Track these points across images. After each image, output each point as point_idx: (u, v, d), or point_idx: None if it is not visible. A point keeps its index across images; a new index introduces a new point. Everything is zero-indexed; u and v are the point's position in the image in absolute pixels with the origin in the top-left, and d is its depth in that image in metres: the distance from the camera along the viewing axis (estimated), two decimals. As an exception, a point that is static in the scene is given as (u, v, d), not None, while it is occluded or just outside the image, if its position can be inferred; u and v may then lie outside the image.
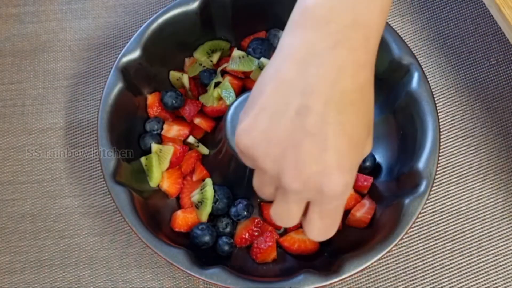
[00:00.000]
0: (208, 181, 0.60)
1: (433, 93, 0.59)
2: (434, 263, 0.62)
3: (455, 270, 0.62)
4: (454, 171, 0.65)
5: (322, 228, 0.46)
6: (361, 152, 0.44)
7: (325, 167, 0.41)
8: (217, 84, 0.64)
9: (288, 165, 0.42)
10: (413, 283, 0.62)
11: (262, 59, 0.64)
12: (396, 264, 0.62)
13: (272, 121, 0.42)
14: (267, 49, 0.65)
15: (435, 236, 0.63)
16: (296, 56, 0.42)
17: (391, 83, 0.62)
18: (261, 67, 0.64)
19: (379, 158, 0.63)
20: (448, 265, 0.62)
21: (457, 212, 0.64)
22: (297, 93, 0.41)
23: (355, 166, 0.44)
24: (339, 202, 0.44)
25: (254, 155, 0.43)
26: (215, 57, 0.66)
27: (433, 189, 0.63)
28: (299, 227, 0.60)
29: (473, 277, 0.62)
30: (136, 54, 0.61)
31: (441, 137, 0.64)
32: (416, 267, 0.62)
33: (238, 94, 0.61)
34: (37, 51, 0.72)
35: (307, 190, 0.42)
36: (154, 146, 0.62)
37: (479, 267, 0.62)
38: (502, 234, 0.63)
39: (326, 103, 0.41)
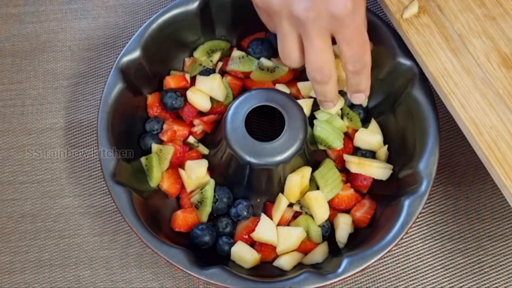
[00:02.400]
0: (210, 181, 0.60)
1: (433, 93, 0.59)
2: (434, 263, 0.62)
3: (455, 270, 0.62)
4: (454, 171, 0.65)
5: (352, 53, 0.51)
6: None
7: None
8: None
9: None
10: (413, 283, 0.62)
11: (262, 59, 0.64)
12: (396, 264, 0.62)
13: None
14: (267, 49, 0.65)
15: (435, 236, 0.63)
16: None
17: (391, 83, 0.62)
18: (261, 67, 0.64)
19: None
20: (448, 265, 0.62)
21: (457, 212, 0.64)
22: None
23: None
24: (356, 23, 0.50)
25: (267, 3, 0.50)
26: (215, 57, 0.66)
27: (433, 189, 0.63)
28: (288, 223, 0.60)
29: (473, 277, 0.62)
30: (136, 54, 0.61)
31: (441, 137, 0.64)
32: (416, 267, 0.62)
33: (238, 94, 0.61)
34: (37, 51, 0.72)
35: (322, 17, 0.48)
36: (154, 146, 0.62)
37: (479, 267, 0.62)
38: (502, 234, 0.63)
39: None
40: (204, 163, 0.61)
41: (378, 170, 0.60)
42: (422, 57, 0.56)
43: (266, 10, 0.52)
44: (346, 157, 0.61)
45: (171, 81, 0.64)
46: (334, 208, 0.61)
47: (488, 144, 0.52)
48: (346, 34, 0.50)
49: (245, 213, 0.60)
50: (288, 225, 0.61)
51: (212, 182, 0.60)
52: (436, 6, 0.57)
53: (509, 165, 0.50)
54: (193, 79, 0.65)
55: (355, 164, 0.60)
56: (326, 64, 0.52)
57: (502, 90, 0.53)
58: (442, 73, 0.55)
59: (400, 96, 0.61)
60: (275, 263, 0.60)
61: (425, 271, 0.62)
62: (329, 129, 0.61)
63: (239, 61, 0.64)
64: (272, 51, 0.65)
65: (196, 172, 0.60)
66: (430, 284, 0.62)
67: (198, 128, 0.63)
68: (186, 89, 0.64)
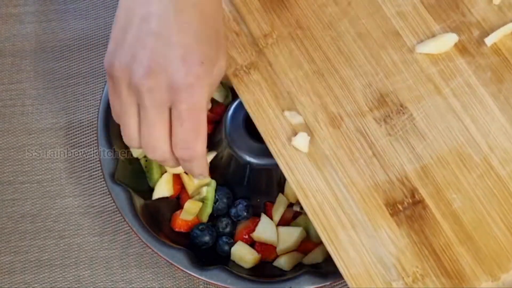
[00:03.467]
0: (211, 182, 0.60)
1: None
2: (434, 263, 0.62)
3: (455, 270, 0.62)
4: (454, 171, 0.65)
5: (183, 137, 0.46)
6: (213, 50, 0.46)
7: (172, 60, 0.44)
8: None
9: (138, 65, 0.45)
10: (413, 283, 0.62)
11: None
12: (396, 264, 0.62)
13: (123, 32, 0.46)
14: None
15: (435, 236, 0.63)
16: None
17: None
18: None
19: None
20: (448, 265, 0.62)
21: (457, 212, 0.64)
22: (140, 4, 0.45)
23: (207, 61, 0.45)
24: (193, 100, 0.45)
25: (113, 69, 0.46)
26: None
27: (433, 189, 0.63)
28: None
29: (473, 277, 0.62)
30: (136, 54, 0.61)
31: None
32: (416, 267, 0.62)
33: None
34: (37, 51, 0.72)
35: (160, 88, 0.44)
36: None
37: (479, 267, 0.62)
38: (502, 234, 0.63)
39: (167, 6, 0.45)
40: None
41: None
42: (252, 116, 0.52)
43: (110, 76, 0.47)
44: None
45: None
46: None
47: (313, 208, 0.48)
48: (180, 110, 0.45)
49: (245, 213, 0.60)
50: (288, 225, 0.61)
51: (213, 183, 0.60)
52: (267, 61, 0.53)
53: (332, 229, 0.48)
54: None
55: None
56: (159, 143, 0.47)
57: (329, 151, 0.50)
58: (271, 135, 0.52)
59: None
60: (275, 263, 0.59)
61: (425, 271, 0.62)
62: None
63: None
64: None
65: None
66: (430, 284, 0.62)
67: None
68: None
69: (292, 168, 0.50)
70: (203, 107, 0.46)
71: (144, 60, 0.44)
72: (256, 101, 0.53)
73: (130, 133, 0.48)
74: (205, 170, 0.51)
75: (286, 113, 0.52)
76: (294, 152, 0.50)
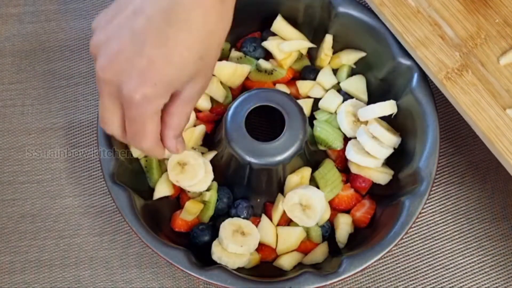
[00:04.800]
0: (214, 184, 0.60)
1: (433, 93, 0.59)
2: (434, 263, 0.62)
3: (455, 270, 0.62)
4: (454, 171, 0.65)
5: (129, 136, 0.48)
6: (180, 74, 0.46)
7: (131, 69, 0.44)
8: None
9: (104, 53, 0.45)
10: (413, 283, 0.62)
11: (260, 61, 0.64)
12: (396, 264, 0.62)
13: (115, 14, 0.46)
14: (261, 46, 0.65)
15: (435, 236, 0.63)
16: None
17: (391, 83, 0.62)
18: (258, 68, 0.64)
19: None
20: (448, 265, 0.62)
21: (457, 212, 0.64)
22: None
23: (166, 85, 0.45)
24: (139, 112, 0.46)
25: (93, 37, 0.47)
26: (215, 57, 0.66)
27: (433, 189, 0.63)
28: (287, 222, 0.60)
29: (473, 277, 0.62)
30: (136, 54, 0.61)
31: (441, 137, 0.64)
32: (416, 267, 0.62)
33: (237, 95, 0.61)
34: (37, 51, 0.72)
35: (113, 84, 0.45)
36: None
37: (479, 267, 0.62)
38: (502, 234, 0.63)
39: (160, 11, 0.44)
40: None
41: (378, 174, 0.60)
42: (472, 117, 0.53)
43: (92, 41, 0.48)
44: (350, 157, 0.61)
45: None
46: (334, 208, 0.61)
47: None
48: (128, 114, 0.46)
49: (245, 213, 0.60)
50: (288, 225, 0.61)
51: (215, 185, 0.60)
52: (478, 62, 0.55)
53: None
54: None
55: (356, 165, 0.60)
56: (108, 122, 0.48)
57: None
58: (495, 132, 0.53)
59: (400, 96, 0.61)
60: (275, 263, 0.60)
61: (425, 271, 0.62)
62: (329, 129, 0.61)
63: (237, 62, 0.64)
64: (265, 50, 0.65)
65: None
66: (430, 284, 0.62)
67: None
68: None
69: None
70: (148, 117, 0.46)
71: (111, 53, 0.45)
72: (474, 102, 0.53)
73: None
74: (162, 154, 0.51)
75: (508, 111, 0.52)
76: None
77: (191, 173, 0.58)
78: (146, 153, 0.53)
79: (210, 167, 0.59)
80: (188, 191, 0.61)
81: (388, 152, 0.59)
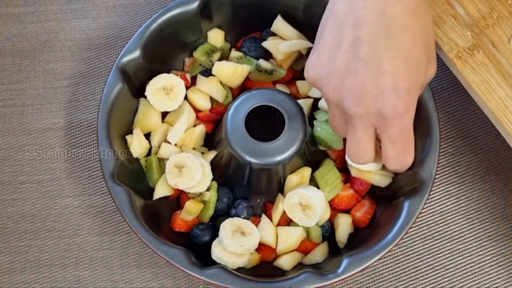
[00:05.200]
0: (213, 184, 0.60)
1: (433, 93, 0.59)
2: (434, 263, 0.62)
3: (455, 270, 0.62)
4: (454, 171, 0.65)
5: (395, 154, 0.49)
6: (423, 73, 0.48)
7: (382, 90, 0.45)
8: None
9: (347, 91, 0.47)
10: (413, 283, 0.62)
11: (260, 61, 0.64)
12: (396, 264, 0.62)
13: (331, 54, 0.48)
14: (260, 46, 0.65)
15: (435, 236, 0.63)
16: None
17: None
18: (259, 69, 0.64)
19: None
20: (448, 265, 0.62)
21: (457, 212, 0.64)
22: (350, 27, 0.46)
23: (416, 86, 0.47)
24: (403, 124, 0.47)
25: (319, 87, 0.49)
26: (215, 57, 0.66)
27: (433, 189, 0.63)
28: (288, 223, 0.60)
29: (473, 277, 0.62)
30: (136, 54, 0.61)
31: (441, 137, 0.64)
32: (416, 267, 0.62)
33: (237, 95, 0.61)
34: (37, 51, 0.72)
35: (369, 114, 0.46)
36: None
37: (479, 267, 0.62)
38: (502, 234, 0.63)
39: (377, 32, 0.45)
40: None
41: (378, 177, 0.60)
42: (481, 96, 0.54)
43: (315, 85, 0.50)
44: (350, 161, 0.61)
45: None
46: (334, 208, 0.61)
47: None
48: (391, 133, 0.48)
49: (245, 213, 0.60)
50: (288, 225, 0.61)
51: (214, 185, 0.60)
52: (490, 42, 0.55)
53: None
54: (194, 78, 0.65)
55: (355, 169, 0.60)
56: (365, 153, 0.50)
57: None
58: (503, 112, 0.53)
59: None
60: (275, 263, 0.60)
61: (425, 271, 0.62)
62: (329, 129, 0.61)
63: (237, 62, 0.64)
64: (265, 50, 0.65)
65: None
66: (430, 284, 0.62)
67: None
68: (186, 88, 0.64)
69: None
70: (411, 126, 0.48)
71: (355, 89, 0.46)
72: (484, 81, 0.54)
73: (339, 131, 0.53)
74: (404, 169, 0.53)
75: None
76: None
77: (189, 176, 0.58)
78: (404, 169, 0.52)
79: (208, 168, 0.59)
80: (188, 192, 0.61)
81: (379, 164, 0.59)
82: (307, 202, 0.57)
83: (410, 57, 0.46)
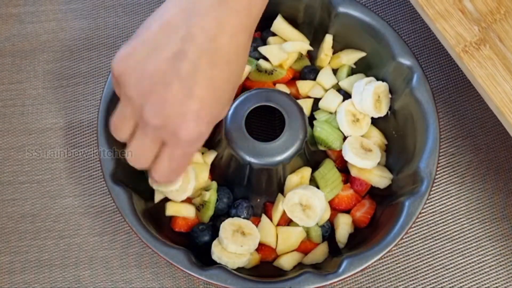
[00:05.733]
0: (213, 184, 0.60)
1: (433, 93, 0.59)
2: (434, 263, 0.62)
3: (455, 270, 0.62)
4: (454, 171, 0.65)
5: (166, 170, 0.50)
6: (222, 110, 0.48)
7: (186, 112, 0.45)
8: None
9: (153, 100, 0.45)
10: (413, 283, 0.62)
11: (261, 61, 0.64)
12: (396, 264, 0.62)
13: (150, 55, 0.45)
14: (260, 46, 0.65)
15: (435, 236, 0.63)
16: (184, 4, 0.45)
17: (391, 83, 0.62)
18: (258, 69, 0.64)
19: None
20: (448, 265, 0.62)
21: (457, 212, 0.64)
22: (178, 37, 0.45)
23: (214, 120, 0.48)
24: (189, 150, 0.49)
25: (125, 82, 0.46)
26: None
27: (433, 189, 0.63)
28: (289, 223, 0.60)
29: (473, 277, 0.62)
30: (136, 54, 0.61)
31: (441, 137, 0.64)
32: (416, 267, 0.62)
33: (237, 95, 0.61)
34: (37, 51, 0.72)
35: (164, 129, 0.46)
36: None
37: (479, 267, 0.62)
38: (502, 234, 0.63)
39: (202, 55, 0.45)
40: (206, 168, 0.61)
41: (377, 178, 0.60)
42: (487, 90, 0.54)
43: (117, 82, 0.48)
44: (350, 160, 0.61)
45: None
46: (334, 208, 0.61)
47: None
48: (174, 152, 0.48)
49: (245, 213, 0.60)
50: (288, 225, 0.61)
51: (214, 185, 0.60)
52: (496, 37, 0.56)
53: None
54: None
55: (355, 169, 0.60)
56: (144, 160, 0.50)
57: None
58: (508, 106, 0.54)
59: (400, 96, 0.61)
60: (275, 263, 0.60)
61: (425, 271, 0.62)
62: (329, 129, 0.61)
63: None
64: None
65: (199, 178, 0.60)
66: (430, 284, 0.62)
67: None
68: None
69: None
70: (192, 156, 0.51)
71: (161, 101, 0.45)
72: (490, 76, 0.54)
73: (118, 134, 0.50)
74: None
75: None
76: None
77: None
78: (163, 183, 0.55)
79: (192, 174, 0.58)
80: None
81: (375, 161, 0.59)
82: (307, 202, 0.57)
83: (221, 90, 0.47)
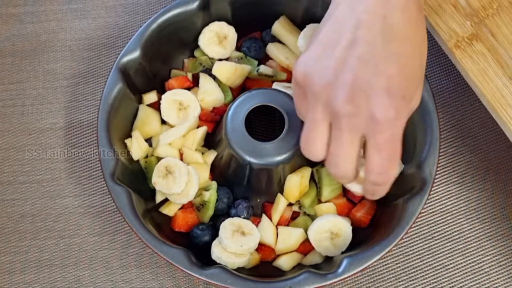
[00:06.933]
0: (213, 184, 0.60)
1: (433, 93, 0.59)
2: (434, 263, 0.62)
3: (455, 270, 0.62)
4: (454, 171, 0.65)
5: (380, 164, 0.47)
6: (414, 85, 0.47)
7: (376, 91, 0.44)
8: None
9: (340, 86, 0.45)
10: (413, 283, 0.62)
11: (262, 67, 0.64)
12: (396, 264, 0.62)
13: (326, 51, 0.46)
14: (260, 47, 0.65)
15: (435, 236, 0.63)
16: None
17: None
18: (260, 74, 0.64)
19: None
20: (448, 265, 0.62)
21: (457, 212, 0.64)
22: (349, 28, 0.45)
23: (408, 95, 0.46)
24: (393, 131, 0.45)
25: (309, 81, 0.46)
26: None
27: (433, 189, 0.63)
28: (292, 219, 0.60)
29: (473, 277, 0.62)
30: (136, 54, 0.61)
31: (441, 137, 0.64)
32: (416, 267, 0.62)
33: (238, 95, 0.61)
34: (37, 51, 0.72)
35: (359, 116, 0.44)
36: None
37: (479, 267, 0.62)
38: (502, 234, 0.63)
39: (377, 34, 0.45)
40: (206, 168, 0.61)
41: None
42: (478, 85, 0.54)
43: (303, 89, 0.47)
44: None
45: (174, 84, 0.64)
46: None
47: None
48: (379, 140, 0.45)
49: (245, 213, 0.60)
50: (287, 225, 0.61)
51: (214, 185, 0.60)
52: (489, 32, 0.56)
53: None
54: (194, 78, 0.65)
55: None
56: (345, 163, 0.47)
57: None
58: (500, 102, 0.54)
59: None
60: (275, 263, 0.60)
61: (425, 271, 0.62)
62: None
63: (237, 62, 0.64)
64: (264, 50, 0.66)
65: (199, 178, 0.60)
66: (430, 284, 0.62)
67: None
68: (189, 89, 0.64)
69: None
70: (401, 137, 0.47)
71: (348, 85, 0.44)
72: (482, 71, 0.54)
73: (314, 148, 0.48)
74: (385, 192, 0.51)
75: None
76: None
77: (169, 185, 0.58)
78: (385, 183, 0.49)
79: (195, 179, 0.58)
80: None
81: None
82: (338, 231, 0.57)
83: (407, 65, 0.45)
